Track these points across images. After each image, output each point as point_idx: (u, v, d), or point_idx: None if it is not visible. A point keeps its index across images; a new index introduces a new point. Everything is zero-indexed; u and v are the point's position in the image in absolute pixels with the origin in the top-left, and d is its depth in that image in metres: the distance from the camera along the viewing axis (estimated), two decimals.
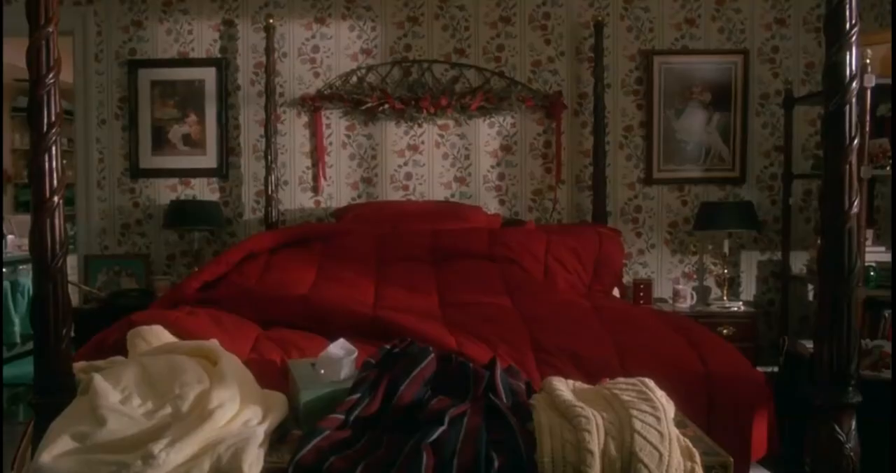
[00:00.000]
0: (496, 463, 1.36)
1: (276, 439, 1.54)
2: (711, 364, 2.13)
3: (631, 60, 4.04)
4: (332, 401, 1.55)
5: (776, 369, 2.95)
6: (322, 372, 1.68)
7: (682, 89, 4.01)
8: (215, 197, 4.09)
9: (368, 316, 2.32)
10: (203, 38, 4.05)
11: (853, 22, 1.57)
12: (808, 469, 1.67)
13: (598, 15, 3.92)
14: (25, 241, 5.27)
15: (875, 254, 3.40)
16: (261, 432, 1.47)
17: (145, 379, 1.57)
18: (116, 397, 1.50)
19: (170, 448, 1.35)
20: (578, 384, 1.70)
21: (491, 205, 4.02)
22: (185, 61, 4.05)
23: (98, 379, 1.53)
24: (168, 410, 1.47)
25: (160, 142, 4.07)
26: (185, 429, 1.40)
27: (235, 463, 1.36)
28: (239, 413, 1.50)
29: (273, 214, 3.94)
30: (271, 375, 1.81)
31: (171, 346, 1.79)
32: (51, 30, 1.59)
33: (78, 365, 1.68)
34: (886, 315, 3.26)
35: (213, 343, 1.76)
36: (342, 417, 1.49)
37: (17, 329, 5.18)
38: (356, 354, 1.70)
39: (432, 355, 1.64)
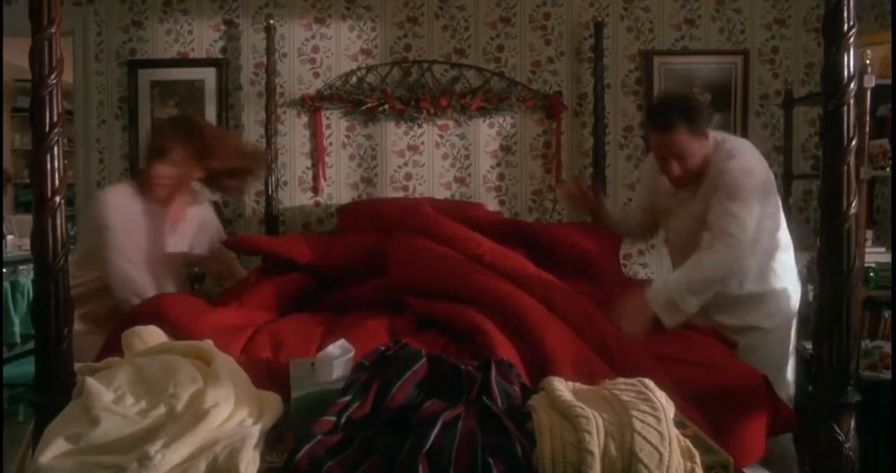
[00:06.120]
0: (494, 472, 1.34)
1: (274, 439, 1.54)
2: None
3: (631, 61, 4.04)
4: (322, 401, 1.53)
5: None
6: (316, 371, 1.68)
7: (682, 89, 4.01)
8: (215, 197, 4.08)
9: None
10: (203, 38, 4.05)
11: (851, 23, 1.57)
12: (807, 469, 1.67)
13: (597, 15, 3.92)
14: (25, 241, 5.27)
15: (875, 255, 3.39)
16: (256, 432, 1.46)
17: (139, 378, 1.56)
18: (110, 397, 1.49)
19: (165, 449, 1.34)
20: (578, 384, 1.69)
21: (491, 206, 4.01)
22: (185, 61, 4.04)
23: (90, 381, 1.52)
24: (162, 409, 1.46)
25: None
26: (180, 430, 1.39)
27: (232, 464, 1.35)
28: (234, 413, 1.49)
29: (273, 214, 3.93)
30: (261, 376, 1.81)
31: (164, 346, 1.79)
32: (53, 31, 1.59)
33: (78, 367, 1.68)
34: (886, 315, 3.27)
35: (208, 343, 1.75)
36: (334, 419, 1.48)
37: (17, 329, 5.18)
38: (352, 354, 1.70)
39: (424, 359, 1.63)
